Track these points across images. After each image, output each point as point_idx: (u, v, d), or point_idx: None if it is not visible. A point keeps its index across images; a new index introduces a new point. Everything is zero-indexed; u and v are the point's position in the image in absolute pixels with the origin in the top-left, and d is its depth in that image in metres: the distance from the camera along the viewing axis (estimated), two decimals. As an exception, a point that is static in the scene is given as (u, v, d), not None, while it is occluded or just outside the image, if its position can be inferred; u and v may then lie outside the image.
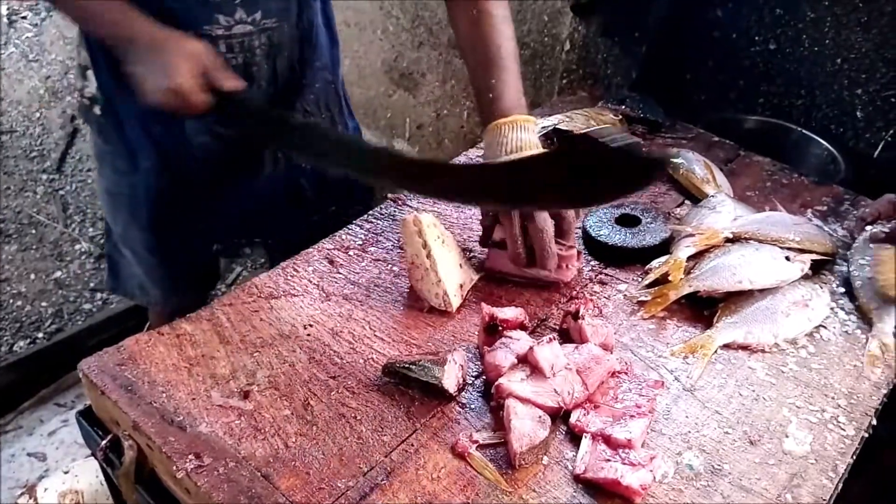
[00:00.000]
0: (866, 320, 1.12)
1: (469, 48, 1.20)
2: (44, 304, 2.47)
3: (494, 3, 1.19)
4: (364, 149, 1.12)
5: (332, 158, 1.09)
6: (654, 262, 1.18)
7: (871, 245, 1.21)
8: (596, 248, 1.22)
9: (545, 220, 1.05)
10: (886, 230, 1.24)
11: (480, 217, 1.16)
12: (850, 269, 1.18)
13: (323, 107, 1.41)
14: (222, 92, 1.09)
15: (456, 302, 1.08)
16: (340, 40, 1.43)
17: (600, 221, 1.25)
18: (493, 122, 1.09)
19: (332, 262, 1.18)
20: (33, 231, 2.70)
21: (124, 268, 1.53)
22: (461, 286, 1.10)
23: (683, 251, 1.15)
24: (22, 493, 1.64)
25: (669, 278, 1.11)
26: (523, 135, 1.06)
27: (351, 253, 1.19)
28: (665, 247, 1.21)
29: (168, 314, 1.06)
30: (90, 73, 1.28)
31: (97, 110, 1.31)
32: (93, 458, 1.97)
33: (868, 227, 1.27)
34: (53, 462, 2.05)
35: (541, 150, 1.09)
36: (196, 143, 1.31)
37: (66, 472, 1.64)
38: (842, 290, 1.17)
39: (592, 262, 1.21)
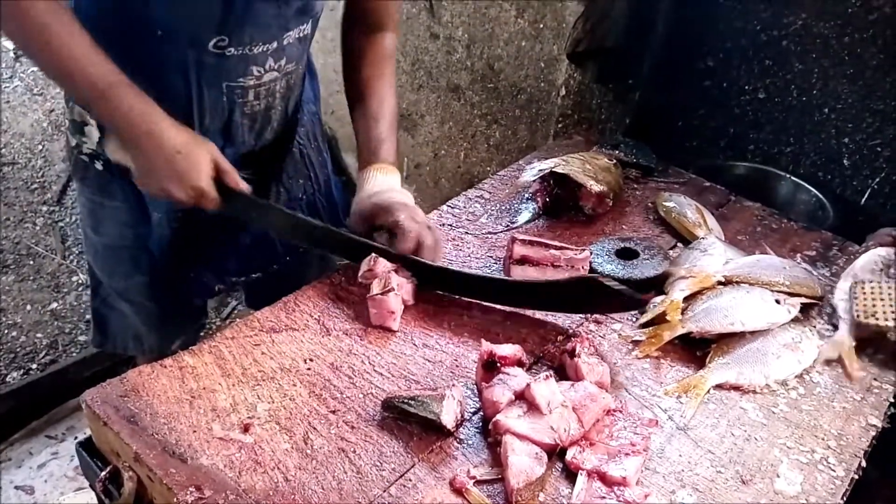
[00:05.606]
0: None
1: (355, 88, 1.37)
2: (39, 335, 2.46)
3: (388, 37, 1.37)
4: (343, 237, 1.25)
5: (310, 241, 1.27)
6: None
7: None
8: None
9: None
10: (894, 234, 1.32)
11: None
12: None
13: (312, 138, 1.46)
14: (227, 189, 1.15)
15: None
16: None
17: (601, 254, 1.30)
18: (368, 166, 1.31)
19: (332, 299, 1.20)
20: (31, 262, 2.70)
21: (115, 322, 1.49)
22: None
23: (679, 292, 1.18)
24: (11, 526, 1.63)
25: (667, 318, 1.14)
26: (388, 178, 1.30)
27: (351, 289, 1.21)
28: (660, 280, 1.24)
29: (157, 358, 1.06)
30: (89, 128, 1.24)
31: (98, 166, 1.28)
32: (83, 492, 1.95)
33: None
34: (42, 495, 2.02)
35: (401, 191, 1.29)
36: None
37: (56, 506, 1.63)
38: (830, 332, 1.20)
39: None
